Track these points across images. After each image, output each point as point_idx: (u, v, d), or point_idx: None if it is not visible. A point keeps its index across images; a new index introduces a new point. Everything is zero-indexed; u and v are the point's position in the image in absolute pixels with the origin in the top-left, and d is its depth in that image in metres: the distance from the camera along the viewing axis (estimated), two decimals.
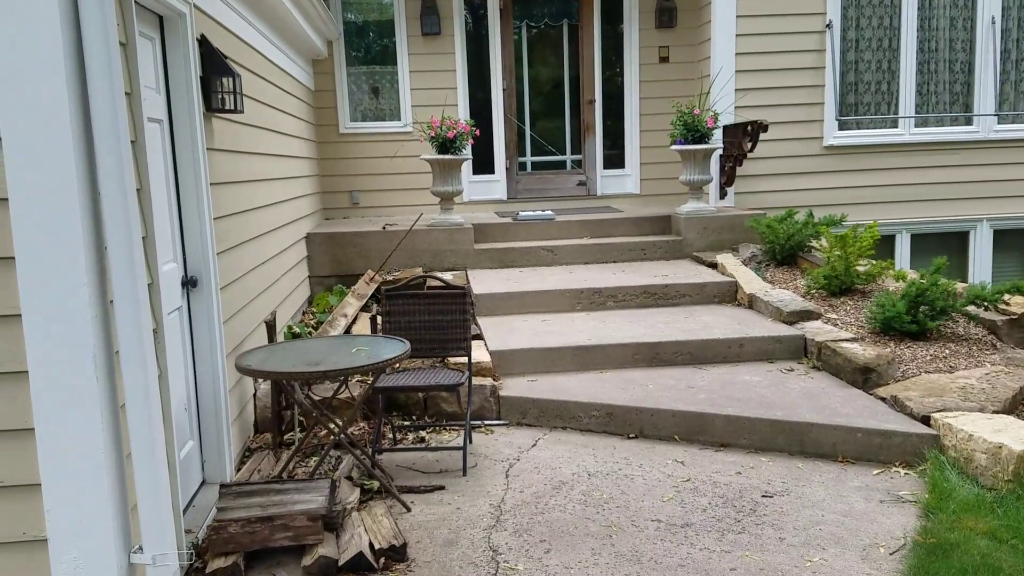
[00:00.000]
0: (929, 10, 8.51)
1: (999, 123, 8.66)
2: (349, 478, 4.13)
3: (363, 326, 6.03)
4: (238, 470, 4.34)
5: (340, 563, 3.34)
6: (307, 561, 3.35)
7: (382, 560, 3.41)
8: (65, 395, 2.55)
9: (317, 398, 4.77)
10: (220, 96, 4.27)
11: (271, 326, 4.65)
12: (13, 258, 2.49)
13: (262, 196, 5.44)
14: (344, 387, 4.76)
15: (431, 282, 6.08)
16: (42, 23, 2.40)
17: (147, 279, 2.70)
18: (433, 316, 4.70)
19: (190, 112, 3.90)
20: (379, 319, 5.25)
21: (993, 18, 8.47)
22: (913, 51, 8.51)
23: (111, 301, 2.63)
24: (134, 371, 2.61)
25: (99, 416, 2.58)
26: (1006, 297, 5.46)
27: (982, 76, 8.57)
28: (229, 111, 4.33)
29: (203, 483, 4.09)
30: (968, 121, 8.68)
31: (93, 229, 2.56)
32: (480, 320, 6.40)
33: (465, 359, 4.87)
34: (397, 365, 5.21)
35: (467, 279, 7.18)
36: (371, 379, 4.74)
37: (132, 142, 2.93)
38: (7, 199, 2.46)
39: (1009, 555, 3.25)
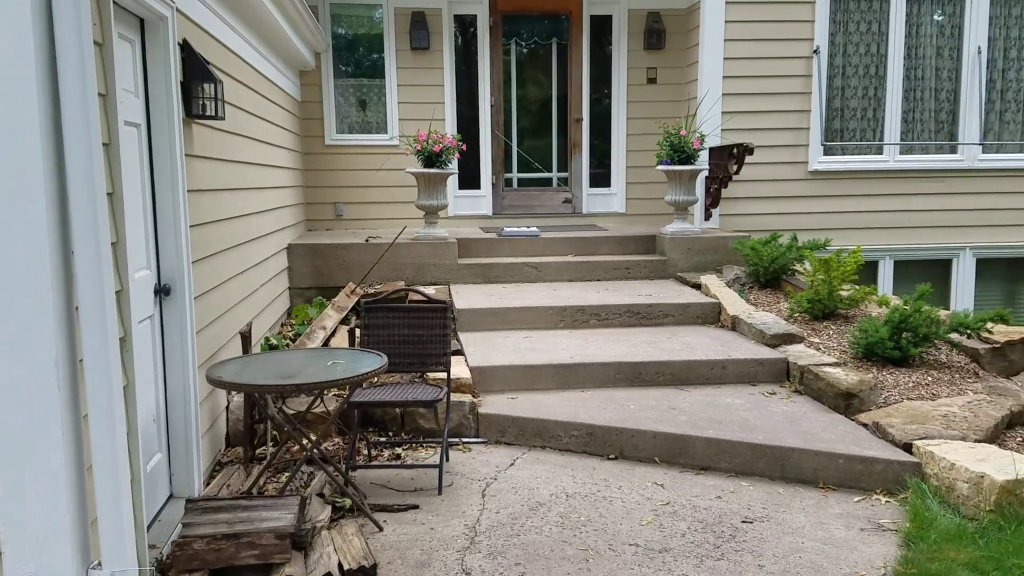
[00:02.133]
0: (916, 38, 8.57)
1: (983, 152, 8.70)
2: (321, 495, 4.03)
3: (342, 339, 5.93)
4: (207, 484, 4.23)
5: None
6: None
7: None
8: (24, 403, 2.45)
9: (291, 412, 4.68)
10: (201, 102, 4.21)
11: (246, 337, 4.56)
12: None
13: (242, 205, 5.36)
14: (319, 401, 4.67)
15: (413, 296, 6.01)
16: (12, 18, 2.33)
17: (116, 286, 2.61)
18: (413, 330, 4.62)
19: (169, 117, 3.82)
20: (358, 332, 5.17)
21: (979, 48, 8.54)
22: (899, 79, 8.55)
23: (76, 307, 2.54)
24: (98, 380, 2.53)
25: (59, 426, 2.49)
26: (989, 325, 5.44)
27: (967, 105, 8.62)
28: (210, 117, 4.26)
29: (170, 497, 3.98)
30: (953, 150, 8.73)
31: (60, 232, 2.48)
32: (461, 335, 6.32)
33: (444, 375, 4.79)
34: (375, 379, 5.14)
35: (450, 293, 7.12)
36: (347, 393, 4.66)
37: (105, 145, 2.86)
38: None
39: None
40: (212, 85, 4.23)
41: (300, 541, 3.46)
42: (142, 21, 3.73)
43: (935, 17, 8.55)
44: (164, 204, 3.83)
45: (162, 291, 3.87)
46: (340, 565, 3.35)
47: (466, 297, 6.92)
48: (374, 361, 3.87)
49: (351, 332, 5.04)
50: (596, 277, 7.72)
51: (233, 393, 4.82)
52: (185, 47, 4.07)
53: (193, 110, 4.17)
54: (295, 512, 3.41)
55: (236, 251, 5.09)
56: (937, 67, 8.63)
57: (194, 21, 4.30)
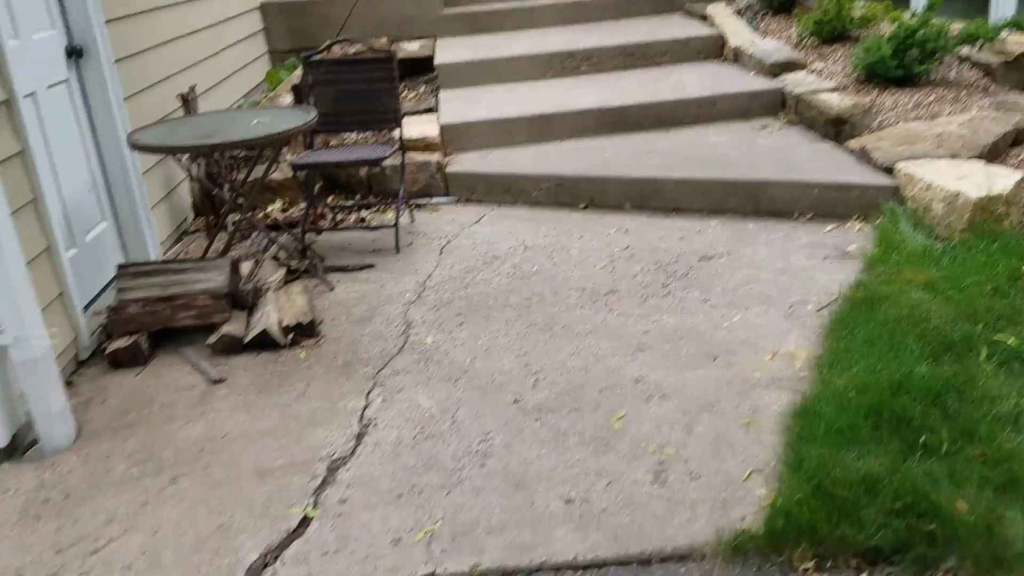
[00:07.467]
0: None
1: None
2: (276, 259, 4.00)
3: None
4: (166, 253, 4.24)
5: (246, 340, 3.28)
6: (212, 339, 3.29)
7: (290, 336, 3.33)
8: None
9: (253, 180, 4.56)
10: None
11: (187, 100, 4.34)
12: None
13: None
14: (275, 166, 4.53)
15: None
16: None
17: None
18: (360, 85, 4.34)
19: None
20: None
21: None
22: None
23: None
24: None
25: None
26: (1003, 35, 4.85)
27: None
28: None
29: None
30: None
31: None
32: (442, 92, 6.00)
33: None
34: (334, 141, 4.96)
35: (434, 48, 6.69)
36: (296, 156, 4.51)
37: None
38: None
39: (942, 306, 3.01)
40: None
41: (242, 301, 3.47)
42: None
43: None
44: None
45: (75, 53, 3.65)
46: (280, 322, 3.36)
47: (450, 50, 6.50)
48: (301, 118, 3.65)
49: (294, 89, 4.77)
50: (595, 17, 7.12)
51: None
52: None
53: None
54: (227, 273, 3.38)
55: (174, 11, 4.75)
56: None
57: None
